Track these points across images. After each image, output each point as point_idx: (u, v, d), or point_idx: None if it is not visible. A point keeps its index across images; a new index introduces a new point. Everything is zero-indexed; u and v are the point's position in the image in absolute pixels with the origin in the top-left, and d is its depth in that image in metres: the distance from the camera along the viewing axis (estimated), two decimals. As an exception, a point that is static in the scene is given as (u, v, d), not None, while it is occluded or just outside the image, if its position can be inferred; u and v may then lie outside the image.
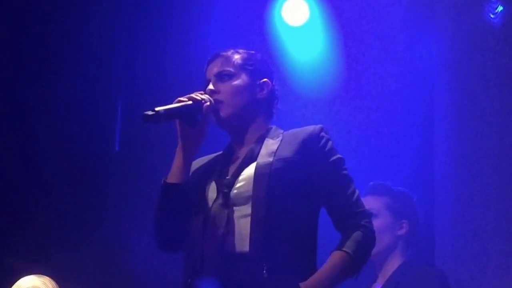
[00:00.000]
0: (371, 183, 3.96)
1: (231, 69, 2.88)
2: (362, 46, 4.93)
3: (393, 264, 3.89)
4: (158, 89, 4.79)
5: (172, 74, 4.91)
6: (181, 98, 2.79)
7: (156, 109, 2.70)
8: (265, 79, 2.92)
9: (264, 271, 2.63)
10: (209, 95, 2.84)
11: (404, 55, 4.87)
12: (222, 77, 2.88)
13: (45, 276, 3.62)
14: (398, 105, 4.85)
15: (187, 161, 2.81)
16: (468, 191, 4.51)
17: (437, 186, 4.63)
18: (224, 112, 2.85)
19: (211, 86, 2.87)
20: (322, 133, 2.83)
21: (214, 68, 2.90)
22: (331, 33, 4.97)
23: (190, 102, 2.79)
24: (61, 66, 5.08)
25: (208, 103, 2.80)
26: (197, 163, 2.92)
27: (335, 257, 2.71)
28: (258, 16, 5.00)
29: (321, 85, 4.91)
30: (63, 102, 5.06)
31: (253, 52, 2.96)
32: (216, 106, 2.84)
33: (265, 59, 2.98)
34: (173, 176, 2.80)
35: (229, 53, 2.92)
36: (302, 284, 2.66)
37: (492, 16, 4.37)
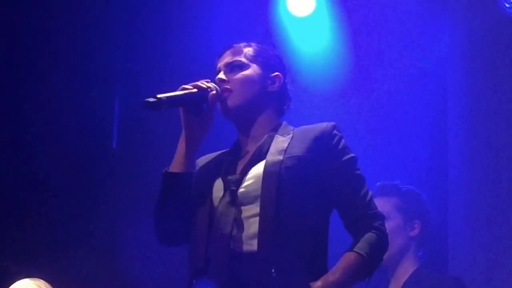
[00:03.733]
0: (378, 183, 3.92)
1: (243, 60, 2.86)
2: (370, 37, 4.86)
3: (407, 267, 3.85)
4: (157, 85, 4.69)
5: (172, 70, 4.86)
6: (186, 86, 2.75)
7: (158, 96, 2.67)
8: (277, 73, 2.88)
9: (273, 271, 2.58)
10: (218, 84, 2.81)
11: (415, 47, 4.81)
12: (233, 67, 2.85)
13: (40, 279, 3.52)
14: (409, 99, 4.79)
15: (190, 151, 2.78)
16: (482, 188, 4.47)
17: (451, 184, 4.61)
18: (232, 101, 2.81)
19: (220, 75, 2.84)
20: (335, 131, 2.78)
21: (225, 59, 2.88)
22: (338, 24, 4.90)
23: (195, 90, 2.75)
24: (58, 62, 5.03)
25: (214, 92, 2.77)
26: (203, 160, 2.90)
27: (348, 258, 2.66)
28: (262, 6, 4.93)
29: (327, 78, 4.84)
30: (60, 98, 5.01)
31: (266, 46, 2.95)
32: (224, 95, 2.81)
33: (279, 54, 2.96)
34: (175, 165, 2.77)
35: (242, 45, 2.90)
36: (312, 284, 2.61)
37: (507, 5, 4.29)
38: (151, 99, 2.66)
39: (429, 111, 4.76)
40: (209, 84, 2.77)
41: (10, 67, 4.93)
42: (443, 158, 4.65)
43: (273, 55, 2.92)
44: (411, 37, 4.80)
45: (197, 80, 2.77)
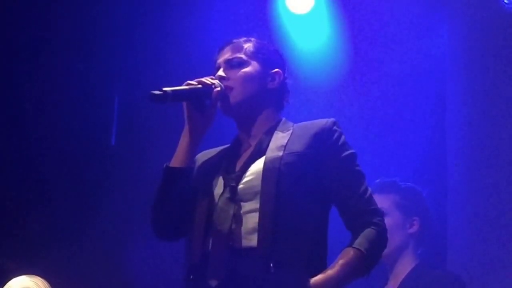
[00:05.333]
0: (378, 180, 3.90)
1: (243, 56, 2.85)
2: (369, 35, 4.85)
3: (405, 264, 3.83)
4: (156, 83, 4.68)
5: (171, 67, 4.85)
6: (191, 82, 2.76)
7: (164, 89, 2.69)
8: (277, 69, 2.88)
9: (271, 265, 2.58)
10: (218, 81, 2.82)
11: (414, 44, 4.79)
12: (233, 64, 2.85)
13: (36, 276, 3.55)
14: (408, 96, 4.78)
15: (192, 146, 2.79)
16: (482, 185, 4.46)
17: (450, 181, 4.60)
18: (233, 99, 2.81)
19: (220, 72, 2.84)
20: (335, 127, 2.78)
21: (225, 55, 2.87)
22: (337, 21, 4.90)
23: (200, 85, 2.76)
24: (58, 60, 5.04)
25: (218, 88, 2.78)
26: (203, 156, 2.90)
27: (347, 254, 2.66)
28: (261, 3, 4.93)
29: (326, 75, 4.84)
30: (60, 96, 5.02)
31: (266, 42, 2.94)
32: (225, 92, 2.80)
33: (278, 50, 2.96)
34: (176, 160, 2.78)
35: (241, 40, 2.90)
36: (311, 280, 2.61)
37: (506, 1, 4.27)
38: (157, 92, 2.68)
39: (429, 108, 4.74)
40: (213, 81, 2.78)
41: (10, 65, 4.93)
42: (442, 155, 4.64)
43: (273, 51, 2.92)
44: (410, 34, 4.78)
45: (199, 77, 2.77)
